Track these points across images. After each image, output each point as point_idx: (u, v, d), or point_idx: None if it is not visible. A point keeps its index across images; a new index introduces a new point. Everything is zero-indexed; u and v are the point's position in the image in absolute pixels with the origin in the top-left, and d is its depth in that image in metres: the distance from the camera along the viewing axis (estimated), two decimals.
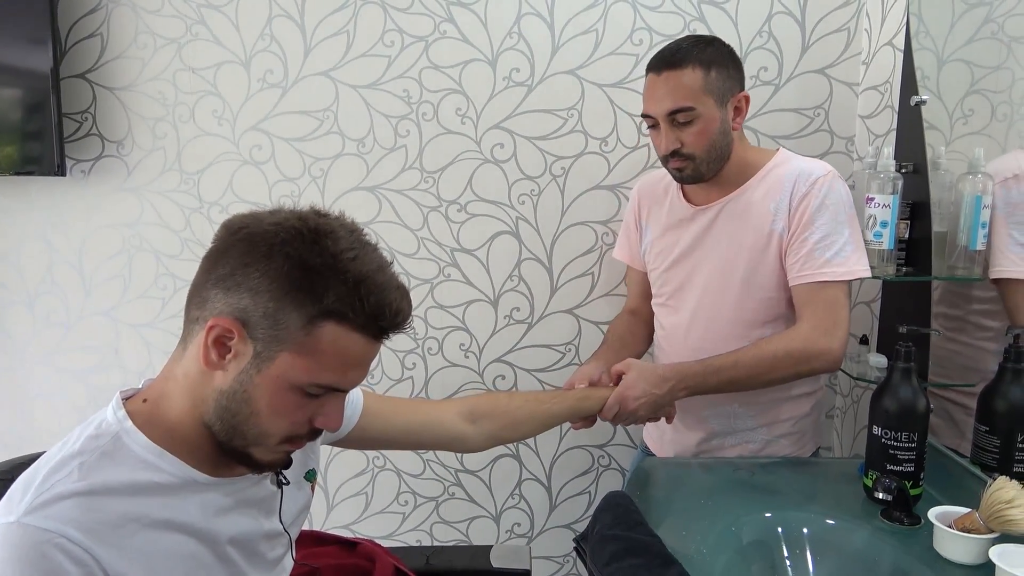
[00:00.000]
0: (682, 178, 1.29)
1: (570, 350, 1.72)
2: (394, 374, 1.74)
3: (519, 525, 1.80)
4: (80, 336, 1.72)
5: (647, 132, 1.61)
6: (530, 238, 1.68)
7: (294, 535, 0.89)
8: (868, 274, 1.24)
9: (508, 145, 1.64)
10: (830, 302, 1.22)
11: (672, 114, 1.23)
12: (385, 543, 1.80)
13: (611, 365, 1.41)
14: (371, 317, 0.71)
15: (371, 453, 1.78)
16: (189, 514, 0.73)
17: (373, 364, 1.72)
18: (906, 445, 1.11)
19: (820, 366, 1.25)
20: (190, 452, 0.74)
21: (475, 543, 1.80)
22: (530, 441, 1.75)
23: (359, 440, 1.03)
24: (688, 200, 1.36)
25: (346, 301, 0.70)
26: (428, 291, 1.70)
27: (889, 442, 1.12)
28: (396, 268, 1.68)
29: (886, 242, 1.24)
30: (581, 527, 1.77)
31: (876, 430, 1.13)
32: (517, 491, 1.78)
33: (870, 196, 1.25)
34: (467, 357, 1.73)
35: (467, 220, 1.67)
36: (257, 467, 0.77)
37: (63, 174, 1.58)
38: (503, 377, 1.73)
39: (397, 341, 1.70)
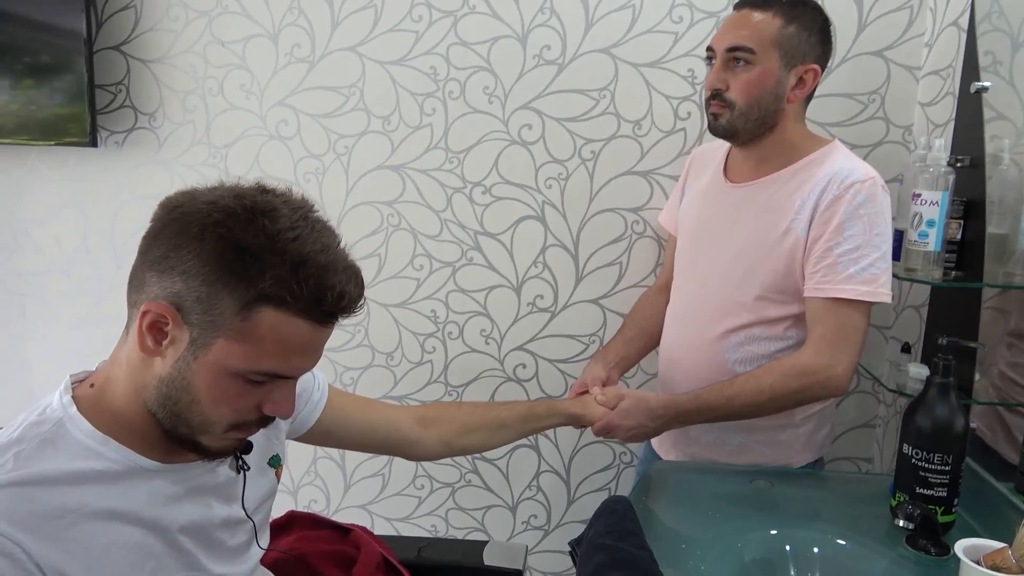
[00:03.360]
0: (716, 126, 1.20)
1: (594, 341, 1.66)
2: (413, 357, 1.71)
3: (536, 517, 1.76)
4: (111, 306, 1.75)
5: (685, 117, 1.53)
6: (556, 224, 1.61)
7: (259, 522, 0.87)
8: (890, 300, 1.13)
9: (536, 126, 1.57)
10: (843, 323, 1.13)
11: (731, 50, 1.15)
12: (400, 526, 1.80)
13: (622, 358, 1.36)
14: (312, 301, 0.67)
15: None
16: (135, 503, 0.71)
17: (392, 346, 1.71)
18: (939, 468, 1.01)
19: (821, 394, 1.17)
20: (137, 438, 0.72)
21: (491, 531, 1.77)
22: (549, 433, 1.70)
23: (320, 435, 1.00)
24: (726, 176, 1.29)
25: (283, 284, 0.66)
26: (450, 274, 1.66)
27: (920, 463, 1.02)
28: (418, 250, 1.66)
29: (932, 243, 1.13)
30: None
31: (907, 449, 1.04)
32: (535, 483, 1.74)
33: (916, 192, 1.13)
34: (488, 344, 1.68)
35: (492, 203, 1.62)
36: (208, 454, 0.74)
37: (95, 145, 1.60)
38: (524, 366, 1.68)
39: (417, 324, 1.68)
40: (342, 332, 1.71)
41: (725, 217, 1.25)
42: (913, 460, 1.02)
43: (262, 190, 0.71)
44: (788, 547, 1.02)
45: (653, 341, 1.41)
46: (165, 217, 0.69)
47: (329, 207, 1.65)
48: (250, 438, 0.80)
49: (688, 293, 1.30)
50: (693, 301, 1.28)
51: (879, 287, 1.12)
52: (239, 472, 0.82)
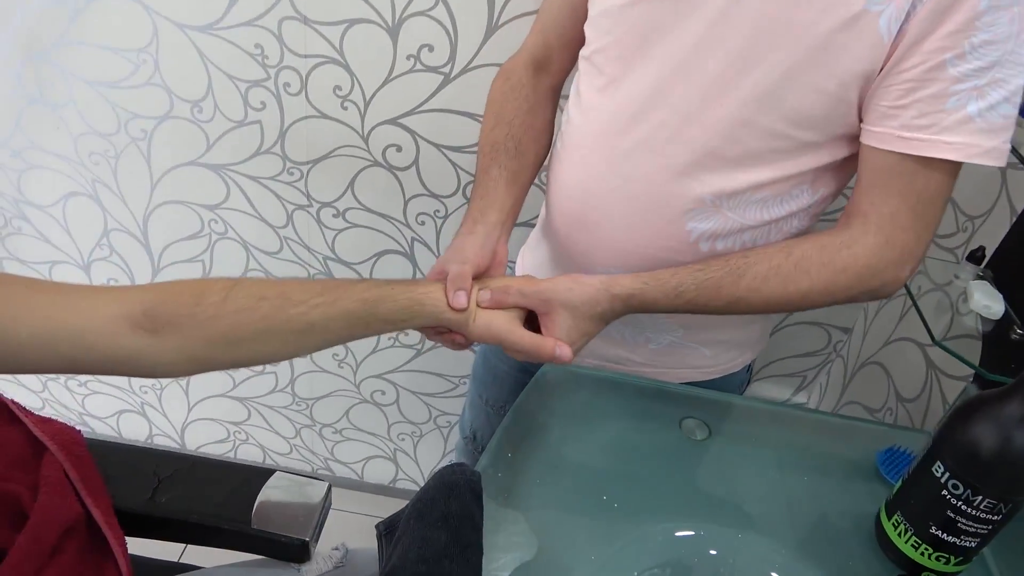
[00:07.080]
0: None
1: None
2: (235, 115, 1.13)
3: None
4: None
5: None
6: None
7: None
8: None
9: None
10: (929, 198, 0.65)
11: None
12: None
13: (510, 211, 0.79)
14: None
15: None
16: None
17: (199, 93, 1.12)
18: (983, 516, 0.61)
19: (871, 299, 0.72)
20: None
21: None
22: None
23: None
24: None
25: None
26: None
27: (955, 501, 0.62)
28: None
29: None
30: None
31: (939, 470, 0.63)
32: None
33: None
34: (345, 108, 1.11)
35: None
36: None
37: None
38: (398, 148, 1.14)
39: (241, 69, 1.08)
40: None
41: None
42: (946, 494, 0.62)
43: None
44: (714, 552, 0.66)
45: (540, 165, 0.84)
46: None
47: None
48: None
49: (634, 107, 0.71)
50: (646, 125, 0.71)
51: (1005, 142, 0.61)
52: None
